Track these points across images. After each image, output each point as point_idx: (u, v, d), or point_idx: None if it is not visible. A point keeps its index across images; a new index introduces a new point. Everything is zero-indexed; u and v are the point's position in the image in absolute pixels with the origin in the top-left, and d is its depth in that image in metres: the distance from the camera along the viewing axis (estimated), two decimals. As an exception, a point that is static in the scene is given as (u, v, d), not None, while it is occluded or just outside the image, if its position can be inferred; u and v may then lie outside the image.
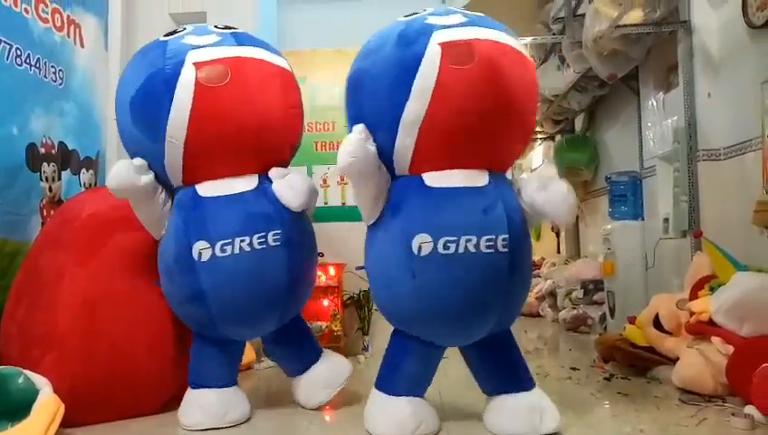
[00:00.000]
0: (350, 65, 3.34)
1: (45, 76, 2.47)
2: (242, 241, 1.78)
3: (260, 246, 1.79)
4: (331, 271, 3.05)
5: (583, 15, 3.28)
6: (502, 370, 1.77)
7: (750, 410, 1.78)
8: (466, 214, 1.59)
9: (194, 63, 1.77)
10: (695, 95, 2.75)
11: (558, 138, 5.00)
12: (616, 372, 2.51)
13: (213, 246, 1.77)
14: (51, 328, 1.91)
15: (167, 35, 1.93)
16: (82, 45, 2.78)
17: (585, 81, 3.61)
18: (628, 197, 3.44)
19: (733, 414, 1.81)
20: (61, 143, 2.56)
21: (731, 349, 1.99)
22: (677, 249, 2.92)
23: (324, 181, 3.34)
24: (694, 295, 2.37)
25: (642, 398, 2.12)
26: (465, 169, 1.65)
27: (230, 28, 1.99)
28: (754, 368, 1.82)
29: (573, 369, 2.64)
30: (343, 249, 3.15)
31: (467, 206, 1.60)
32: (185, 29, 1.95)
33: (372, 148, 1.67)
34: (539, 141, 5.62)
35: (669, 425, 1.78)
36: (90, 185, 2.80)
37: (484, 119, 1.59)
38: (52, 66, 2.52)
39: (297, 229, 1.91)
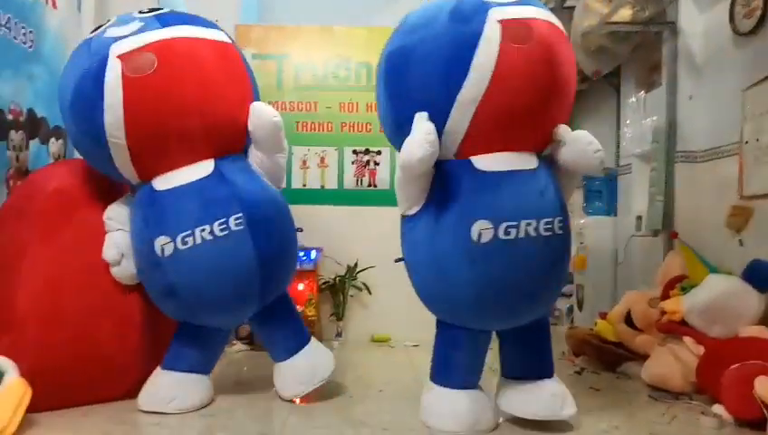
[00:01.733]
0: (337, 44, 3.26)
1: (15, 37, 2.32)
2: (202, 231, 1.72)
3: (222, 232, 1.73)
4: (312, 254, 3.02)
5: (572, 8, 3.28)
6: (534, 355, 1.79)
7: (718, 409, 1.85)
8: (524, 198, 1.58)
9: (118, 57, 1.69)
10: (676, 96, 2.79)
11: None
12: (586, 367, 2.57)
13: (174, 240, 1.73)
14: (9, 309, 1.81)
15: (92, 31, 1.85)
16: (54, 5, 2.62)
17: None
18: (603, 193, 3.49)
19: (702, 413, 1.87)
20: (30, 110, 2.42)
21: (702, 349, 2.06)
22: (649, 247, 2.99)
23: (304, 163, 3.28)
24: (665, 294, 2.43)
25: (614, 394, 2.17)
26: (515, 152, 1.62)
27: (155, 10, 1.88)
28: (724, 369, 1.88)
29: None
30: (321, 234, 3.13)
31: (524, 189, 1.59)
32: (108, 20, 1.87)
33: (437, 148, 1.58)
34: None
35: (642, 422, 1.83)
36: (59, 156, 2.66)
37: (540, 99, 1.59)
38: (23, 27, 2.36)
39: (263, 207, 1.84)
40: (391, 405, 1.98)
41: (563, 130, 1.65)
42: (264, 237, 1.80)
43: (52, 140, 2.62)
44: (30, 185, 2.04)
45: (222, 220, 1.73)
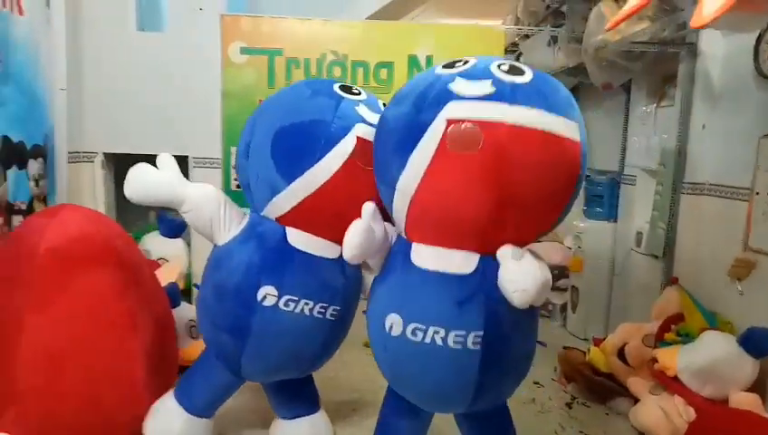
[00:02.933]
0: (332, 39, 3.04)
1: (-20, 64, 2.13)
2: (306, 304, 1.77)
3: (318, 315, 1.80)
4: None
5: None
6: None
7: (702, 478, 1.91)
8: (439, 303, 1.51)
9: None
10: (689, 121, 2.66)
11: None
12: (577, 397, 2.63)
13: (279, 297, 1.74)
14: (10, 383, 1.80)
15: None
16: (21, 12, 2.40)
17: (576, 69, 3.43)
18: (604, 198, 3.41)
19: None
20: (4, 138, 2.27)
21: (692, 412, 2.09)
22: (647, 267, 2.97)
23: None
24: (660, 335, 2.45)
25: (601, 443, 2.24)
26: (454, 250, 1.53)
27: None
28: (712, 436, 1.94)
29: (536, 384, 2.74)
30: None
31: (442, 295, 1.51)
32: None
33: (379, 231, 1.61)
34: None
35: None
36: (39, 176, 2.54)
37: (478, 208, 1.45)
38: (-12, 49, 2.17)
39: (351, 308, 1.93)
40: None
41: (501, 253, 1.47)
42: (338, 333, 1.94)
43: (31, 161, 2.49)
44: (19, 243, 1.93)
45: (324, 305, 1.79)
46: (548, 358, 2.98)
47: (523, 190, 1.44)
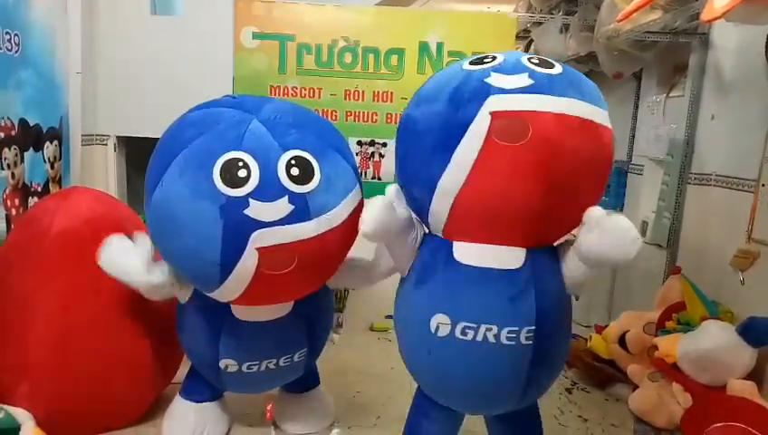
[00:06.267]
0: (344, 25, 3.01)
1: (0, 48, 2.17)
2: (269, 362, 1.83)
3: (285, 364, 1.88)
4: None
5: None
6: None
7: (696, 464, 1.95)
8: (491, 300, 1.48)
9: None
10: (698, 113, 2.66)
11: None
12: (577, 382, 2.68)
13: (240, 365, 1.81)
14: (22, 358, 1.88)
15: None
16: (38, -3, 2.43)
17: (588, 57, 3.43)
18: (611, 187, 3.42)
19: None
20: (21, 121, 2.33)
21: (689, 399, 2.13)
22: (651, 257, 2.98)
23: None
24: (661, 323, 2.48)
25: (599, 428, 2.29)
26: (499, 246, 1.51)
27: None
28: (708, 424, 1.97)
29: (537, 369, 2.79)
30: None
31: (493, 291, 1.49)
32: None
33: (402, 213, 1.56)
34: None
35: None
36: (54, 158, 2.60)
37: (528, 201, 1.43)
38: (6, 33, 2.22)
39: (323, 339, 2.01)
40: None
41: (596, 215, 1.42)
42: (315, 356, 2.05)
43: (47, 143, 2.54)
44: (33, 223, 2.01)
45: (288, 356, 1.88)
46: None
47: (570, 178, 1.44)
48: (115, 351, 1.97)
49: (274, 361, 1.83)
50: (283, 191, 1.52)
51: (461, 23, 3.15)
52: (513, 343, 1.47)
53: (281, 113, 1.66)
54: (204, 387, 1.99)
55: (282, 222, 1.51)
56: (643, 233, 3.11)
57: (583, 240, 1.45)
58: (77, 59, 2.86)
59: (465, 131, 1.42)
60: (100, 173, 3.22)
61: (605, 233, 1.39)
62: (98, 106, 3.14)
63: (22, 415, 1.77)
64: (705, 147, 2.64)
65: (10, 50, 2.24)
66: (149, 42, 3.24)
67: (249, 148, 1.54)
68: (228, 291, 1.60)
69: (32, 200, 2.38)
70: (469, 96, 1.45)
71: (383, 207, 1.51)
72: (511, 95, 1.42)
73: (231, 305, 1.74)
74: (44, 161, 2.51)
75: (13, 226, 2.19)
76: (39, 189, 2.46)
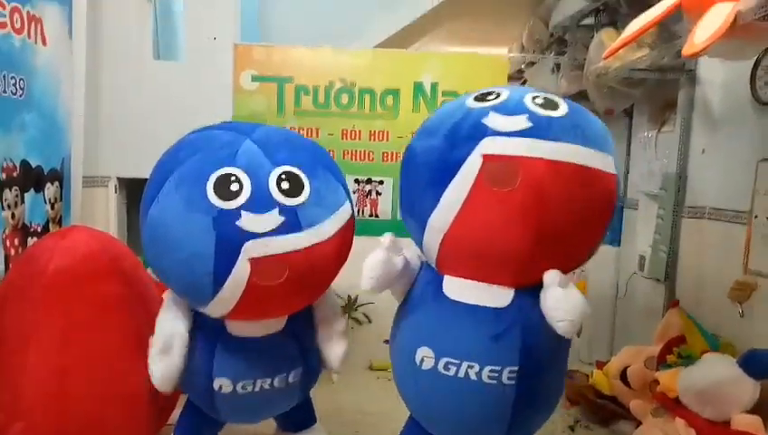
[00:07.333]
0: (341, 67, 3.10)
1: (4, 91, 2.24)
2: (263, 382, 1.79)
3: (279, 385, 1.82)
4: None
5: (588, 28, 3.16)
6: None
7: (703, 502, 1.90)
8: (474, 337, 1.49)
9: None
10: (689, 147, 2.70)
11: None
12: (580, 419, 2.63)
13: (234, 385, 1.78)
14: (17, 396, 1.85)
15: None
16: (45, 43, 2.52)
17: (579, 95, 3.51)
18: (607, 222, 3.44)
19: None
20: (23, 162, 2.37)
21: (693, 434, 2.09)
22: (650, 291, 2.98)
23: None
24: (662, 357, 2.45)
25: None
26: (487, 283, 1.52)
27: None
28: (713, 460, 1.93)
29: (539, 406, 2.75)
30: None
31: (477, 329, 1.49)
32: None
33: (398, 262, 1.59)
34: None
35: None
36: (55, 199, 2.63)
37: (515, 245, 1.44)
38: (12, 77, 2.28)
39: (316, 360, 1.94)
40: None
41: (549, 278, 1.45)
42: (311, 380, 1.98)
43: (48, 184, 2.58)
44: (30, 262, 2.00)
45: (283, 375, 1.83)
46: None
47: (560, 225, 1.43)
48: (111, 389, 1.94)
49: (269, 380, 1.79)
50: (274, 204, 1.56)
51: (455, 63, 3.24)
52: (494, 381, 1.47)
53: (273, 134, 1.75)
54: (197, 425, 1.96)
55: (273, 233, 1.54)
56: (641, 267, 3.11)
57: (541, 299, 1.47)
58: (80, 101, 2.93)
59: (457, 171, 1.43)
60: (101, 214, 3.25)
61: (545, 301, 1.44)
62: (99, 148, 3.20)
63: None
64: (697, 180, 2.68)
65: (15, 93, 2.30)
66: (152, 85, 3.33)
67: (241, 164, 1.59)
68: (221, 303, 1.60)
69: (31, 241, 2.40)
70: (465, 135, 1.46)
71: (381, 263, 1.55)
72: (505, 138, 1.42)
73: (225, 322, 1.74)
74: (45, 202, 2.54)
75: (11, 265, 2.20)
76: (39, 230, 2.48)
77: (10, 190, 2.27)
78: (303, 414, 2.13)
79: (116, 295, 1.99)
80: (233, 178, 1.56)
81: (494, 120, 1.45)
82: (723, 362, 2.14)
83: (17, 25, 2.30)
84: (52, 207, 2.60)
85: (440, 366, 1.50)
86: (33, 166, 2.44)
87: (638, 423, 2.39)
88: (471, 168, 1.42)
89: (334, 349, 1.85)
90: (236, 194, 1.54)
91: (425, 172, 1.54)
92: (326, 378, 2.98)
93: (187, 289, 1.67)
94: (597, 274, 3.44)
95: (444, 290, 1.56)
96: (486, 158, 1.41)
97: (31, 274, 1.96)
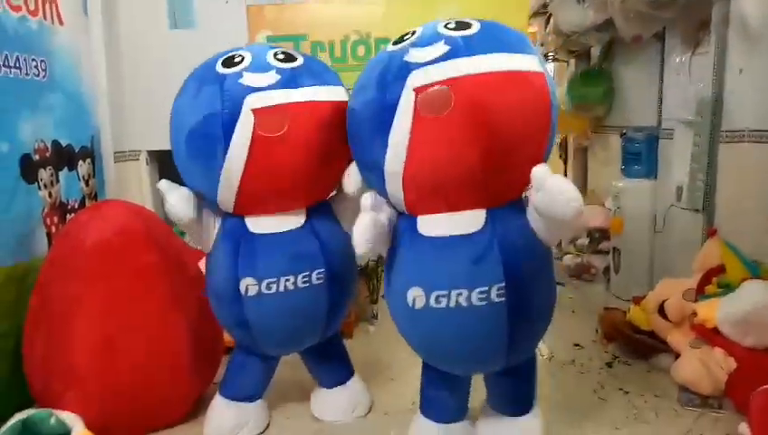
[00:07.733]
0: (355, 20, 3.22)
1: (27, 74, 2.30)
2: (287, 280, 1.84)
3: (304, 285, 1.86)
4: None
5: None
6: (509, 395, 1.86)
7: (744, 429, 1.87)
8: (455, 266, 1.53)
9: (252, 110, 1.71)
10: (725, 68, 2.55)
11: (572, 68, 4.74)
12: (618, 355, 2.61)
13: (260, 284, 1.83)
14: (69, 365, 1.97)
15: (225, 64, 1.81)
16: (61, 22, 2.57)
17: (607, 24, 3.33)
18: (642, 155, 3.32)
19: (728, 436, 1.91)
20: (54, 142, 2.46)
21: (732, 363, 2.06)
22: (688, 221, 2.88)
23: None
24: (701, 288, 2.39)
25: (642, 399, 2.23)
26: (459, 212, 1.56)
27: (290, 58, 1.87)
28: (754, 386, 1.89)
29: (577, 346, 2.75)
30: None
31: (455, 257, 1.54)
32: (242, 57, 1.82)
33: (383, 217, 1.62)
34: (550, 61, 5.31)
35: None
36: (89, 175, 2.73)
37: (468, 166, 1.48)
38: (33, 59, 2.34)
39: (340, 264, 1.95)
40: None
41: (539, 174, 1.41)
42: (338, 289, 1.96)
43: (80, 162, 2.67)
44: (69, 236, 2.11)
45: (306, 274, 1.87)
46: (589, 320, 2.97)
47: (505, 134, 1.47)
48: (156, 353, 2.05)
49: (292, 279, 1.84)
50: (272, 66, 1.80)
51: (473, 3, 3.10)
52: (484, 302, 1.52)
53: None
54: (241, 383, 2.06)
55: (271, 87, 1.74)
56: (678, 198, 3.01)
57: (532, 199, 1.48)
58: (103, 78, 2.99)
59: (395, 112, 1.48)
60: (135, 187, 3.35)
61: (546, 193, 1.41)
62: (126, 123, 3.27)
63: (71, 419, 1.86)
64: (734, 103, 2.53)
65: (37, 75, 2.37)
66: (171, 56, 3.34)
67: (245, 49, 1.88)
68: (232, 160, 1.72)
69: (69, 217, 2.51)
70: (392, 77, 1.52)
71: (369, 226, 1.57)
72: (429, 67, 1.47)
73: (245, 220, 1.86)
74: (79, 179, 2.64)
75: (53, 241, 2.32)
76: (76, 206, 2.59)
77: (45, 170, 2.37)
78: (341, 368, 2.19)
79: (152, 263, 2.07)
80: (237, 56, 1.82)
81: (414, 55, 1.50)
82: (762, 287, 2.08)
83: (31, 7, 2.34)
84: (87, 184, 2.70)
85: (432, 301, 1.54)
86: (64, 145, 2.53)
87: (677, 356, 2.36)
88: (406, 104, 1.46)
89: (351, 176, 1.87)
90: (239, 63, 1.79)
91: (368, 124, 1.58)
92: (363, 330, 3.08)
93: (197, 152, 1.79)
94: (633, 209, 3.35)
95: (419, 230, 1.60)
96: (417, 90, 1.45)
97: (70, 248, 2.06)
